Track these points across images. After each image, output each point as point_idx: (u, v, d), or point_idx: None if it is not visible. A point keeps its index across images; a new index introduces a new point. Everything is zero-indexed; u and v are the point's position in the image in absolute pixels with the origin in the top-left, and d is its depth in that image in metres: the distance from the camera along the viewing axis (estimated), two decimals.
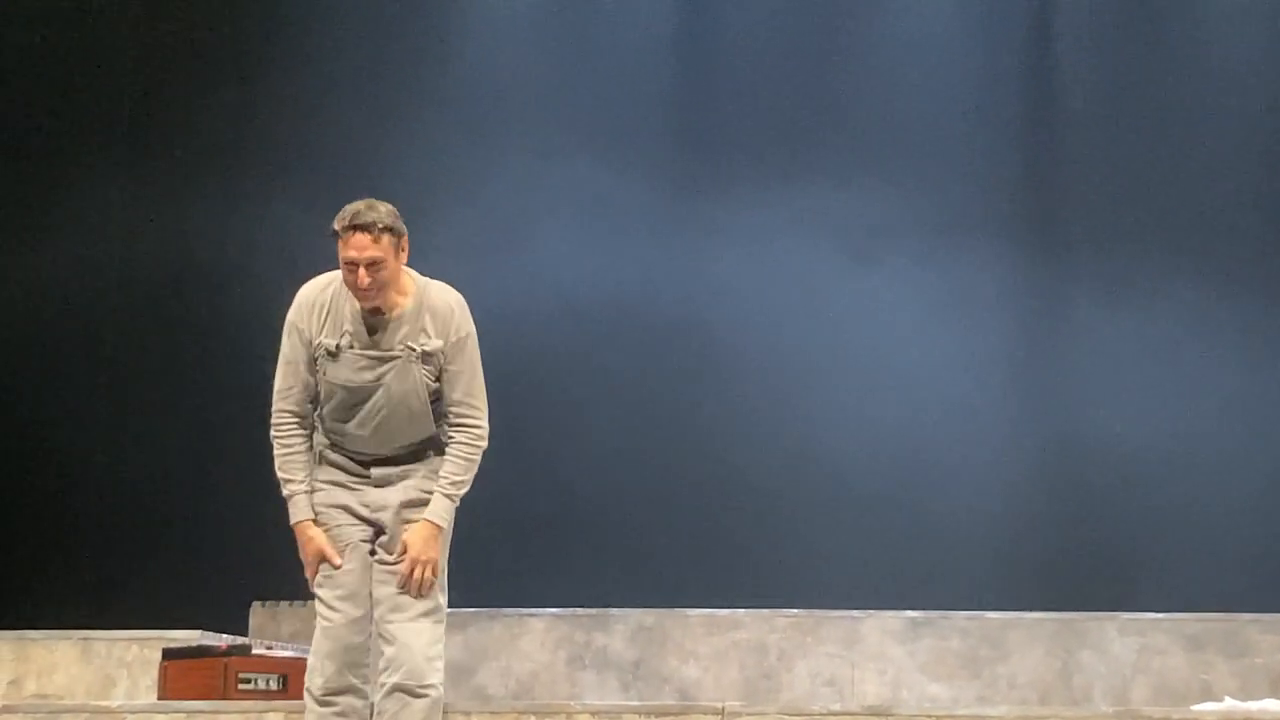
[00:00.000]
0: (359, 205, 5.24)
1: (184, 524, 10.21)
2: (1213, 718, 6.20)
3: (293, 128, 10.59)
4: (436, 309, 5.33)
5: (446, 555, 5.34)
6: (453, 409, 5.31)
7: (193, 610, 8.54)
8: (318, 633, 5.32)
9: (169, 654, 6.88)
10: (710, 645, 9.35)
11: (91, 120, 10.70)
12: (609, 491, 9.86)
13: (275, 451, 5.36)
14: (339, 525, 5.30)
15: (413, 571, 5.20)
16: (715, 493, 9.99)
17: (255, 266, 10.26)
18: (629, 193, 10.29)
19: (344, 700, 5.27)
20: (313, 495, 5.33)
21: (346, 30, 10.77)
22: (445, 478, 5.28)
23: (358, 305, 5.31)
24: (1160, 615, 9.31)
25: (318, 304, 5.35)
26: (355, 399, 5.26)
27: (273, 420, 5.38)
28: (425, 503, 5.29)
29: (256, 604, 9.30)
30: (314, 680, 5.28)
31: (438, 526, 5.24)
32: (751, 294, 10.21)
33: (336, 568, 5.27)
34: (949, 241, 9.98)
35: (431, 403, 5.31)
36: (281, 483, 5.35)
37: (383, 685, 5.26)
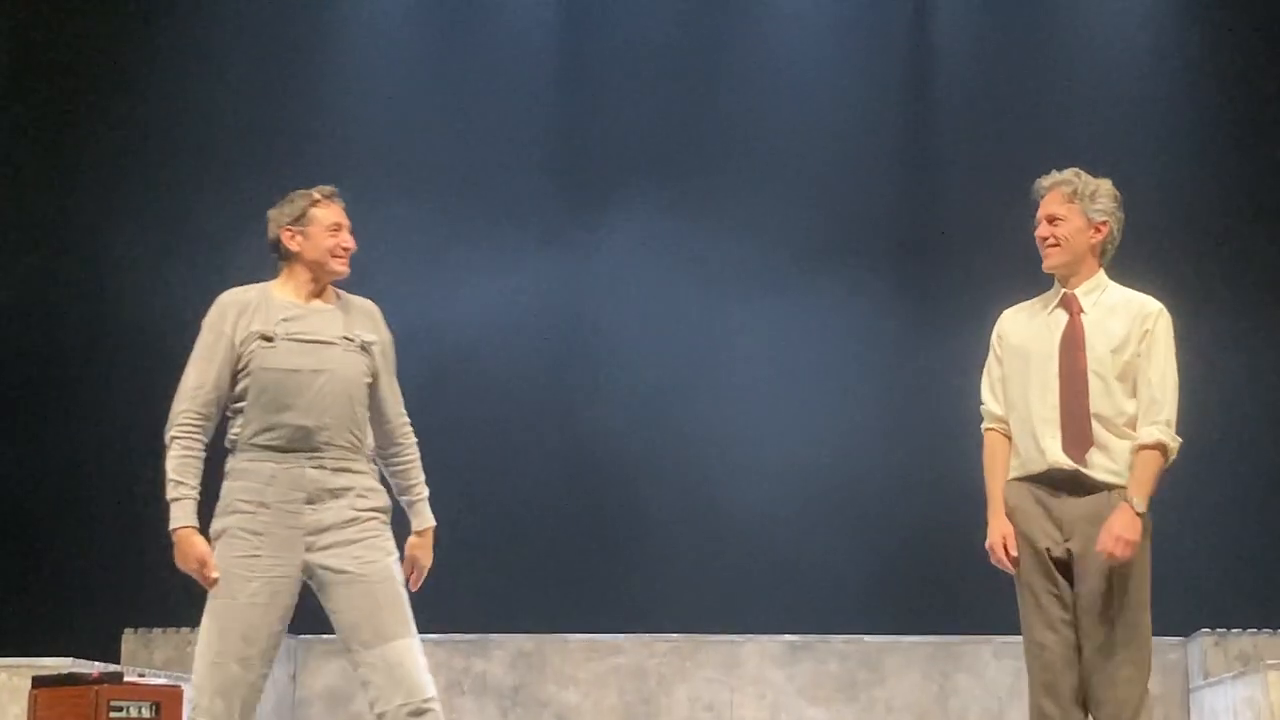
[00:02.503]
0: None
1: (54, 549, 10.05)
2: None
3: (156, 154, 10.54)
4: (362, 308, 5.41)
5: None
6: (397, 417, 5.41)
7: (63, 637, 8.40)
8: (205, 665, 5.11)
9: (39, 682, 6.75)
10: (590, 670, 9.35)
11: None
12: (487, 518, 9.81)
13: (171, 451, 5.19)
14: (254, 555, 5.14)
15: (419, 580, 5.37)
16: (594, 518, 9.98)
17: (126, 294, 10.17)
18: (494, 224, 10.27)
19: None
20: (224, 514, 5.18)
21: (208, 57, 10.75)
22: (417, 483, 5.42)
23: (288, 298, 5.31)
24: None
25: (240, 302, 5.31)
26: (296, 386, 5.18)
27: (176, 420, 5.22)
28: (365, 519, 5.20)
29: (128, 631, 9.18)
30: (199, 716, 5.08)
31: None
32: (621, 322, 10.21)
33: (212, 582, 5.11)
34: (819, 271, 10.03)
35: (365, 400, 5.31)
36: (170, 484, 5.16)
37: (382, 714, 5.10)
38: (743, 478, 9.81)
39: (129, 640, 9.14)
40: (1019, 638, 9.59)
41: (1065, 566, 5.27)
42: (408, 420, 5.43)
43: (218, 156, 10.55)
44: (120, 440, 10.14)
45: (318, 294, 5.37)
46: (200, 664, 5.13)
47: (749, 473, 9.81)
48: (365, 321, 5.37)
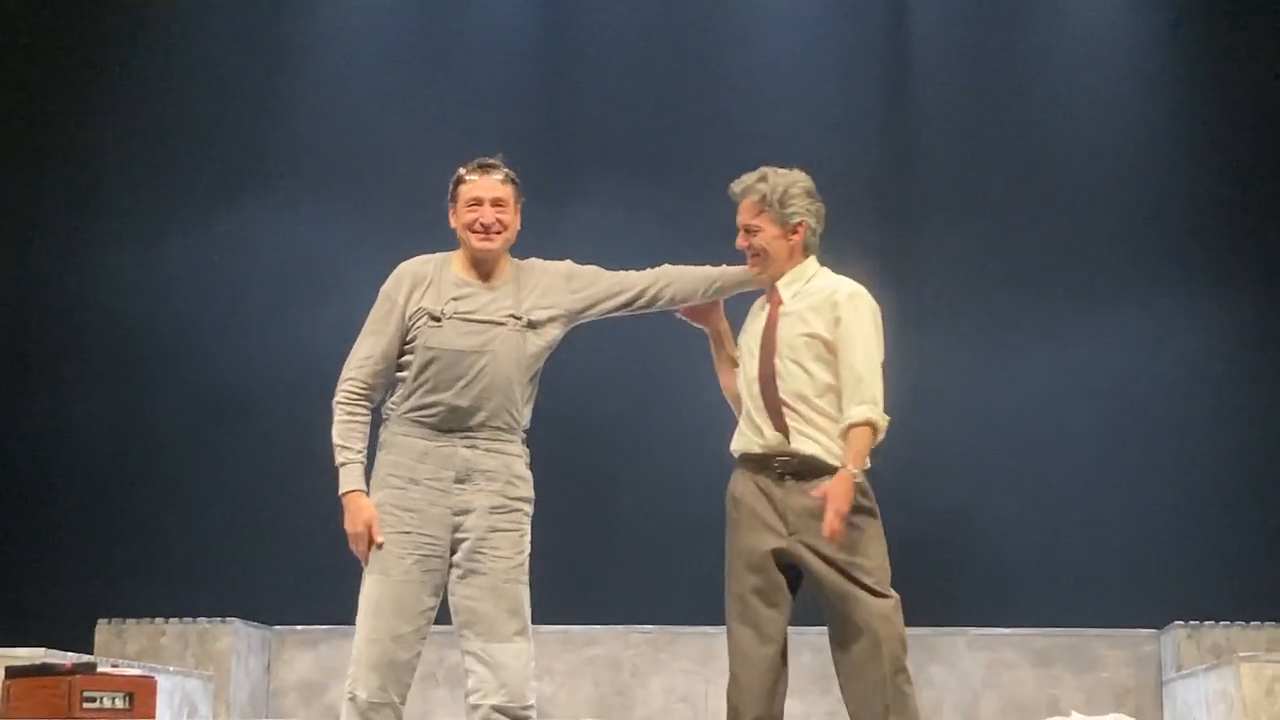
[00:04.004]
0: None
1: (27, 540, 10.03)
2: None
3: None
4: (533, 274, 5.37)
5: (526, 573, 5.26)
6: (634, 285, 5.50)
7: (36, 628, 8.38)
8: (362, 640, 5.13)
9: (12, 672, 6.73)
10: (565, 662, 9.35)
11: None
12: None
13: (337, 418, 5.21)
14: (406, 531, 5.15)
15: None
16: (569, 510, 9.96)
17: (101, 288, 10.18)
18: None
19: (380, 716, 5.11)
20: (376, 488, 5.18)
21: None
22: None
23: (461, 274, 5.29)
24: (1008, 630, 9.43)
25: (417, 275, 5.30)
26: (457, 367, 5.17)
27: (343, 387, 5.24)
28: (509, 509, 5.22)
29: (102, 622, 9.14)
30: (357, 689, 5.10)
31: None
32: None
33: (379, 546, 5.12)
34: None
35: (527, 380, 5.30)
36: (337, 450, 5.19)
37: (476, 707, 5.13)
38: (718, 470, 9.76)
39: (102, 631, 9.11)
40: (993, 630, 9.66)
41: (788, 560, 5.29)
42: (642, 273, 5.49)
43: (194, 151, 10.55)
44: (93, 432, 10.12)
45: (489, 269, 5.33)
46: (357, 638, 5.15)
47: (725, 465, 9.80)
48: (535, 291, 5.33)
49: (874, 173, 10.61)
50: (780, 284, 5.38)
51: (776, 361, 5.27)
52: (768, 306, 5.40)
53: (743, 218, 5.41)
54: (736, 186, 5.45)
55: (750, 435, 5.35)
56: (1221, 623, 9.08)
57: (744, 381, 5.39)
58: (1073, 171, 10.49)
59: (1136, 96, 10.61)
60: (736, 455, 5.42)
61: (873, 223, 10.45)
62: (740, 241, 5.41)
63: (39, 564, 9.94)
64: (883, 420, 5.25)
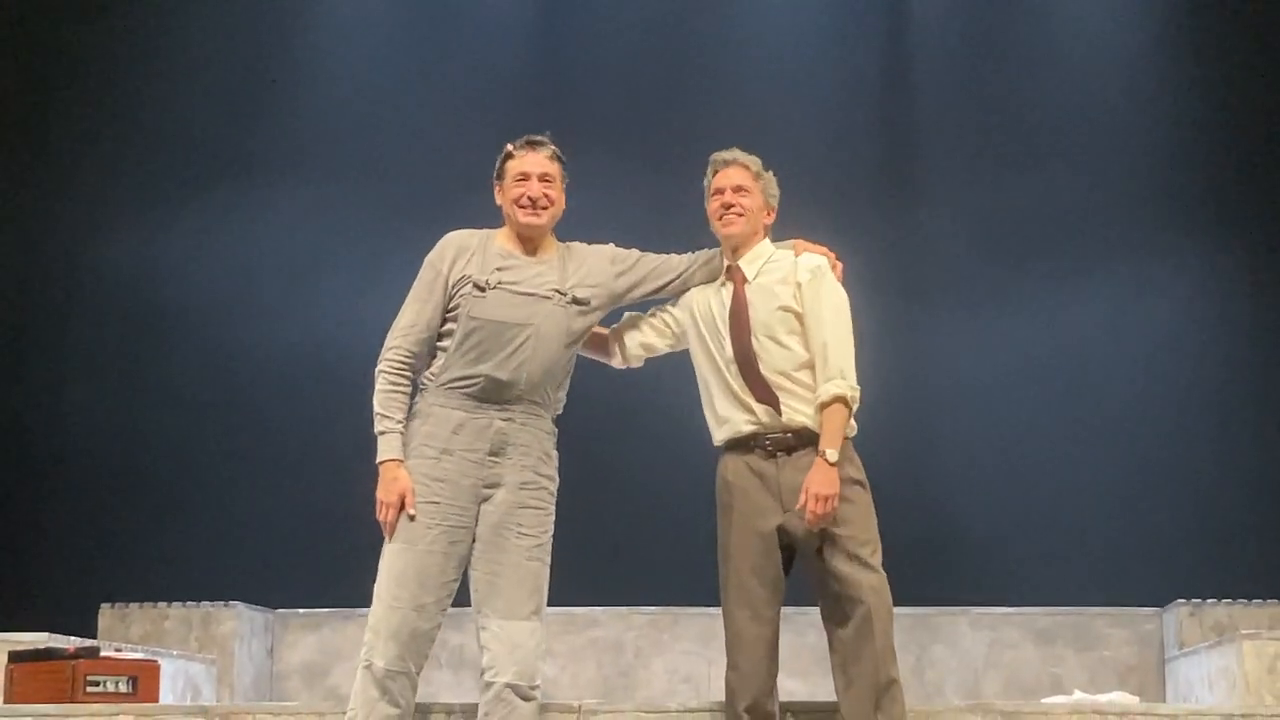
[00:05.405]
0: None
1: (31, 524, 10.03)
2: (1063, 710, 6.28)
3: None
4: (580, 254, 5.40)
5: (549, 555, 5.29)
6: (678, 262, 5.53)
7: (39, 612, 8.38)
8: (382, 608, 5.15)
9: (15, 657, 6.74)
10: (567, 643, 9.34)
11: None
12: None
13: (378, 386, 5.25)
14: (435, 502, 5.17)
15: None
16: (569, 490, 9.95)
17: (104, 271, 10.17)
18: (466, 210, 10.25)
19: (396, 685, 5.13)
20: (408, 457, 5.20)
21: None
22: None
23: (507, 247, 5.32)
24: (1011, 609, 9.43)
25: (464, 246, 5.33)
26: (500, 338, 5.19)
27: (386, 355, 5.27)
28: (538, 486, 5.26)
29: (105, 606, 9.14)
30: (374, 657, 5.11)
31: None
32: None
33: (412, 518, 5.13)
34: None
35: (566, 359, 5.34)
36: (377, 418, 5.22)
37: (490, 684, 5.14)
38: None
39: (105, 615, 9.10)
40: (995, 609, 9.65)
41: (785, 540, 5.35)
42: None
43: (193, 141, 10.54)
44: (95, 417, 10.12)
45: (534, 245, 5.36)
46: (377, 607, 5.16)
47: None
48: (580, 269, 5.36)
49: (870, 156, 10.61)
50: (743, 263, 5.48)
51: (753, 340, 5.35)
52: (729, 285, 5.47)
53: (736, 179, 5.50)
54: (726, 154, 5.56)
55: (738, 416, 5.38)
56: (1224, 600, 9.08)
57: (716, 363, 5.44)
58: (1066, 144, 10.49)
59: (1126, 63, 10.61)
60: (724, 443, 5.45)
61: (869, 206, 10.45)
62: (729, 198, 5.48)
63: (42, 548, 9.94)
64: (853, 392, 5.31)
